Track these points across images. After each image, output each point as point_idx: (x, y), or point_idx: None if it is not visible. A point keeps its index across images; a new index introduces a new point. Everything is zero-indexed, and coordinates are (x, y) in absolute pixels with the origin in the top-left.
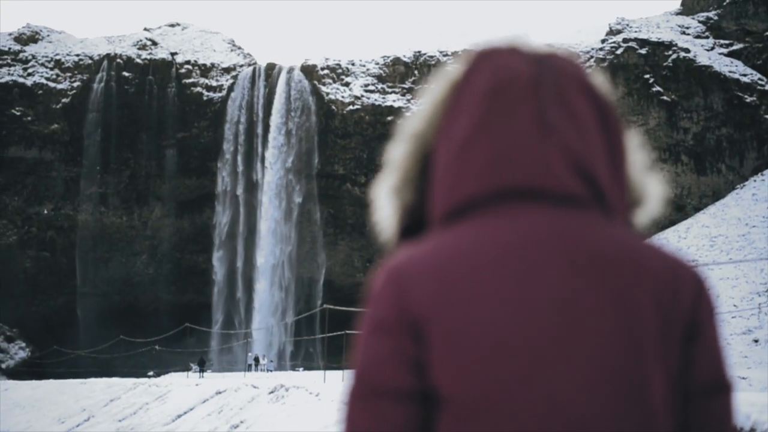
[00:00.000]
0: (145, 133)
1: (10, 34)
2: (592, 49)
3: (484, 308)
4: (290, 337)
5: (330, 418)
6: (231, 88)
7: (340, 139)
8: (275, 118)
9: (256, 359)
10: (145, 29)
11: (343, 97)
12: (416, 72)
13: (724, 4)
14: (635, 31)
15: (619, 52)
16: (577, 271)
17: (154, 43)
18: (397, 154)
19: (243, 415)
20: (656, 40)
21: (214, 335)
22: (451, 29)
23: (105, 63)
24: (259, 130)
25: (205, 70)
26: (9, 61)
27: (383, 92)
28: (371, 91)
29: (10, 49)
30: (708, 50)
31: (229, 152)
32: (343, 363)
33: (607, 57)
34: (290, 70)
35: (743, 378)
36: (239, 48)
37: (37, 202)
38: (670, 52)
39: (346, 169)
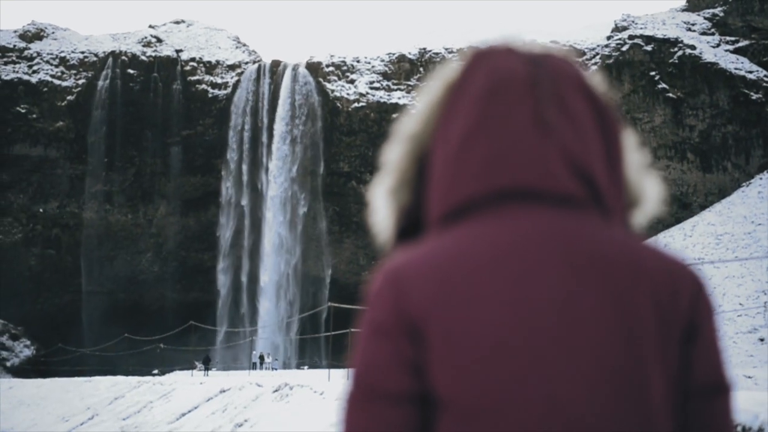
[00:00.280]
0: (150, 130)
1: (15, 32)
2: (598, 46)
3: (484, 309)
4: (295, 335)
5: (334, 417)
6: (236, 86)
7: (345, 137)
8: (279, 127)
9: (261, 357)
10: (150, 26)
11: (348, 94)
12: (421, 69)
13: (730, 0)
14: (641, 28)
15: (624, 49)
16: (576, 272)
17: (159, 41)
18: (394, 155)
19: (247, 413)
20: (662, 36)
21: (219, 333)
22: (456, 26)
23: (110, 60)
24: (264, 138)
25: (210, 68)
26: (14, 58)
27: (388, 89)
28: (376, 89)
29: (15, 46)
30: (714, 47)
31: (233, 161)
32: (348, 361)
33: (613, 54)
34: (295, 68)
35: (749, 377)
36: (244, 45)
37: (42, 199)
38: (676, 49)
39: (351, 167)
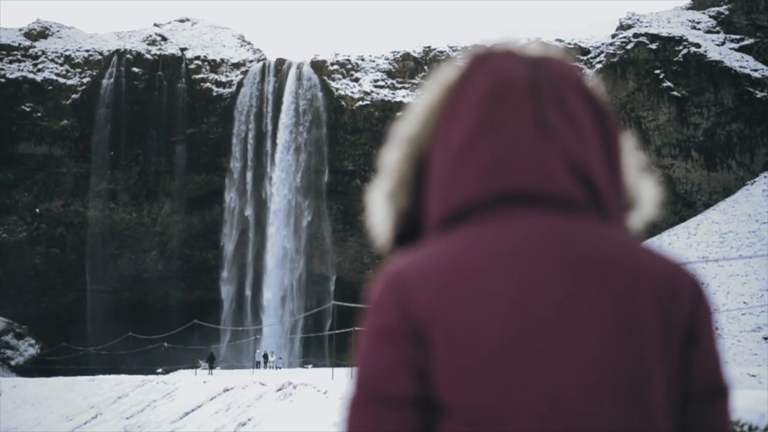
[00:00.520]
0: (155, 129)
1: (20, 30)
2: (603, 44)
3: (486, 313)
4: (300, 334)
5: (338, 416)
6: (240, 84)
7: (350, 135)
8: (282, 135)
9: (265, 356)
10: (155, 25)
11: (352, 92)
12: (426, 67)
13: None
14: (645, 26)
15: (629, 47)
16: (577, 275)
17: (164, 39)
18: (392, 158)
19: (250, 412)
20: (667, 35)
21: (223, 332)
22: (460, 24)
23: (114, 59)
24: (268, 146)
25: (215, 66)
26: (19, 56)
27: (393, 88)
28: (381, 87)
29: (20, 44)
30: (719, 45)
31: (236, 170)
32: (351, 360)
33: (618, 52)
34: (300, 66)
35: (753, 375)
36: (249, 43)
37: (46, 198)
38: (681, 47)
39: (355, 165)
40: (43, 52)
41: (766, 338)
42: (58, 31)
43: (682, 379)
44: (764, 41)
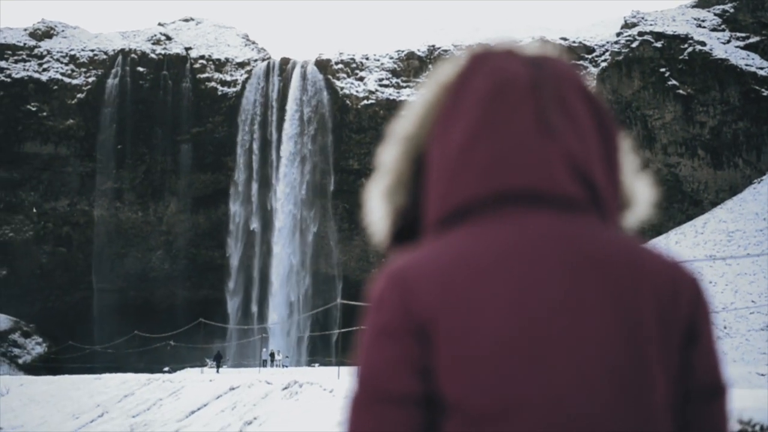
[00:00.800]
0: (160, 128)
1: (26, 30)
2: (608, 42)
3: (486, 311)
4: (306, 333)
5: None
6: (245, 83)
7: (355, 134)
8: (287, 147)
9: (272, 355)
10: (160, 24)
11: (357, 91)
12: (430, 66)
13: None
14: (651, 25)
15: (634, 45)
16: (578, 275)
17: (169, 38)
18: (390, 156)
19: (256, 411)
20: (672, 33)
21: (230, 331)
22: (464, 23)
23: (119, 58)
24: (273, 157)
25: (220, 65)
26: (24, 56)
27: (397, 86)
28: (385, 86)
29: (25, 44)
30: (724, 43)
31: (241, 183)
32: (353, 358)
33: (623, 50)
34: (304, 65)
35: (762, 375)
36: (253, 43)
37: (53, 197)
38: (686, 46)
39: (360, 164)
40: (49, 52)
41: None
42: (63, 30)
43: (682, 379)
44: None
